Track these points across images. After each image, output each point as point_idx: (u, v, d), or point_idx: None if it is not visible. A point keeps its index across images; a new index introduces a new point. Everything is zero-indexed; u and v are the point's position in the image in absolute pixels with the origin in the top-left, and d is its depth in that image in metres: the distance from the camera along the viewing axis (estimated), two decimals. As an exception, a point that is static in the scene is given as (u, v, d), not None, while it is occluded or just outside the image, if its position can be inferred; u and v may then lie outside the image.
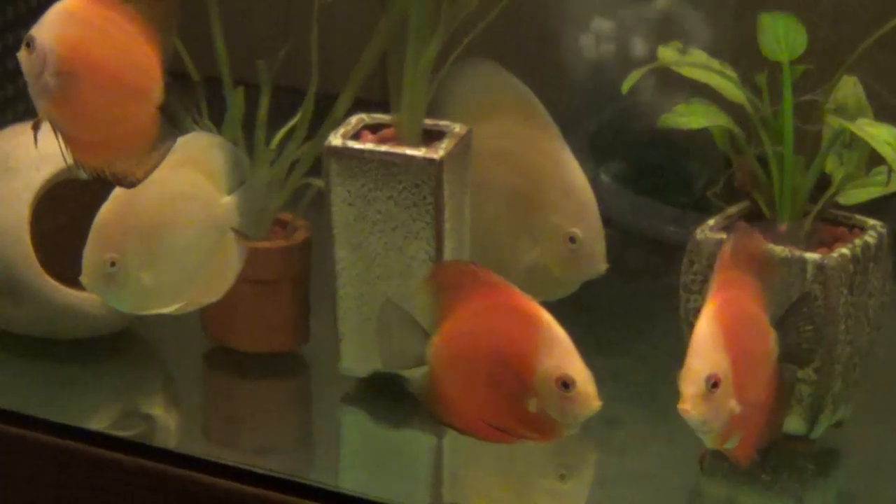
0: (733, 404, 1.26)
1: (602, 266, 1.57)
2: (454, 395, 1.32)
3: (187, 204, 1.47)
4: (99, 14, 1.38)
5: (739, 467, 1.33)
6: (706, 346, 1.25)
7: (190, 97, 1.54)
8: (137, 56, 1.38)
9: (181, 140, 1.43)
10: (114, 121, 1.38)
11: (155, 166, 1.41)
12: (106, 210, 1.44)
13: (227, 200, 1.48)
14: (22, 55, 1.36)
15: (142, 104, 1.38)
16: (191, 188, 1.48)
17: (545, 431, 1.29)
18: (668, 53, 1.53)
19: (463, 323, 1.31)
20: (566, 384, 1.26)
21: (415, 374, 1.37)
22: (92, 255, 1.43)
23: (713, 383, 1.23)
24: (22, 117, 1.69)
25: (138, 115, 1.38)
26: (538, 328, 1.28)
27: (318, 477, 1.46)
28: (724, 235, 1.45)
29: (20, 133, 1.59)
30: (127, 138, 1.40)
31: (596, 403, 1.26)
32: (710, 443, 1.27)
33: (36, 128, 1.40)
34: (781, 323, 1.32)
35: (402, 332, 1.36)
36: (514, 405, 1.29)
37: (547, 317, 1.28)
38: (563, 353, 1.28)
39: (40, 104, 1.37)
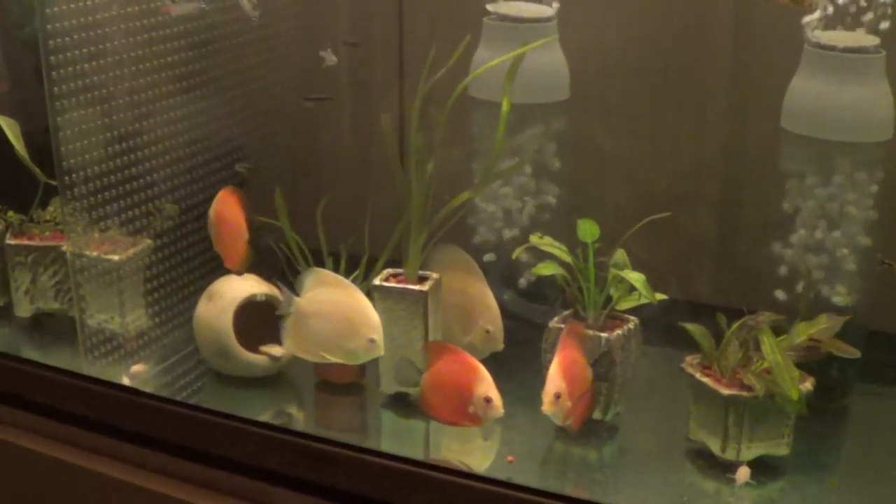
0: (569, 404, 1.62)
1: (501, 345, 1.91)
2: (433, 403, 1.68)
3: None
4: (227, 200, 1.96)
5: (574, 432, 1.68)
6: (554, 377, 1.63)
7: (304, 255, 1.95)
8: (238, 219, 1.95)
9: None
10: (231, 246, 1.95)
11: (246, 267, 1.94)
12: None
13: (298, 300, 1.84)
14: (208, 227, 1.97)
15: (240, 239, 1.94)
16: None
17: (477, 422, 1.64)
18: (535, 238, 1.88)
19: (438, 368, 1.67)
20: (488, 400, 1.62)
21: (414, 392, 1.73)
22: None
23: (557, 396, 1.62)
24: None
25: (238, 244, 1.95)
26: (475, 371, 1.64)
27: (369, 444, 1.76)
28: (562, 325, 1.77)
29: (224, 280, 2.01)
30: (237, 254, 1.95)
31: (501, 410, 1.63)
32: (557, 422, 1.65)
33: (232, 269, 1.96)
34: (593, 365, 1.71)
35: (409, 371, 1.71)
36: (462, 409, 1.63)
37: (479, 365, 1.64)
38: (487, 384, 1.63)
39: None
